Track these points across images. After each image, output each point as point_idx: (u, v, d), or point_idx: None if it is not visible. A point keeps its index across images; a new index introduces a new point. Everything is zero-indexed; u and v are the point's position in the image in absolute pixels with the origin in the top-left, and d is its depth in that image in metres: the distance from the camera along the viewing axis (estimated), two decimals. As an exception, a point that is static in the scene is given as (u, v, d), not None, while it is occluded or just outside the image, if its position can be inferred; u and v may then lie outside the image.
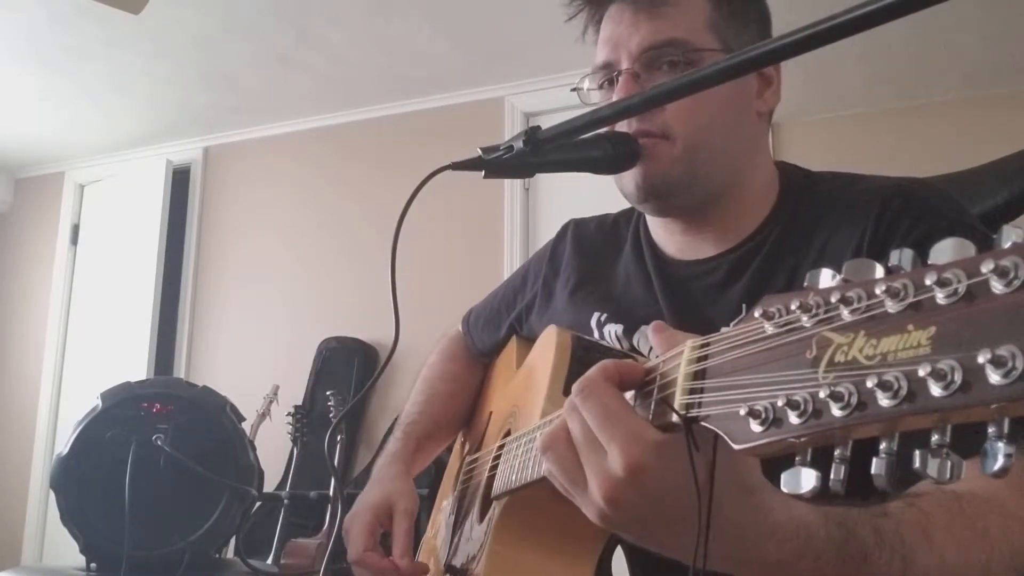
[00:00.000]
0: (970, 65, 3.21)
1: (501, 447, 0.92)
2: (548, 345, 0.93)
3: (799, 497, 0.42)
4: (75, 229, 4.53)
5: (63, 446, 1.55)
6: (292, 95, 3.88)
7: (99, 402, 1.56)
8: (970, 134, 3.20)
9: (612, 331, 1.00)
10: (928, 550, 0.62)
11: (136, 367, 3.91)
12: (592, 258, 1.10)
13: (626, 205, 1.06)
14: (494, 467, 0.93)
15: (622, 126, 0.91)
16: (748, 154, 0.96)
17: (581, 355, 0.88)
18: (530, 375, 1.00)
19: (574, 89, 0.98)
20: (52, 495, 1.53)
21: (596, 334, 1.01)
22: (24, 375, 4.43)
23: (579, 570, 0.79)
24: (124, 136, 4.30)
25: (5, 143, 4.40)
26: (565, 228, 1.19)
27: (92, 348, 4.26)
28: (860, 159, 1.02)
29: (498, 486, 0.88)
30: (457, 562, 0.97)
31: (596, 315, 1.03)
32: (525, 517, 0.84)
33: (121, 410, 1.54)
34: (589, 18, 0.99)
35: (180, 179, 4.32)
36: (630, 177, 0.92)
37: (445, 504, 1.17)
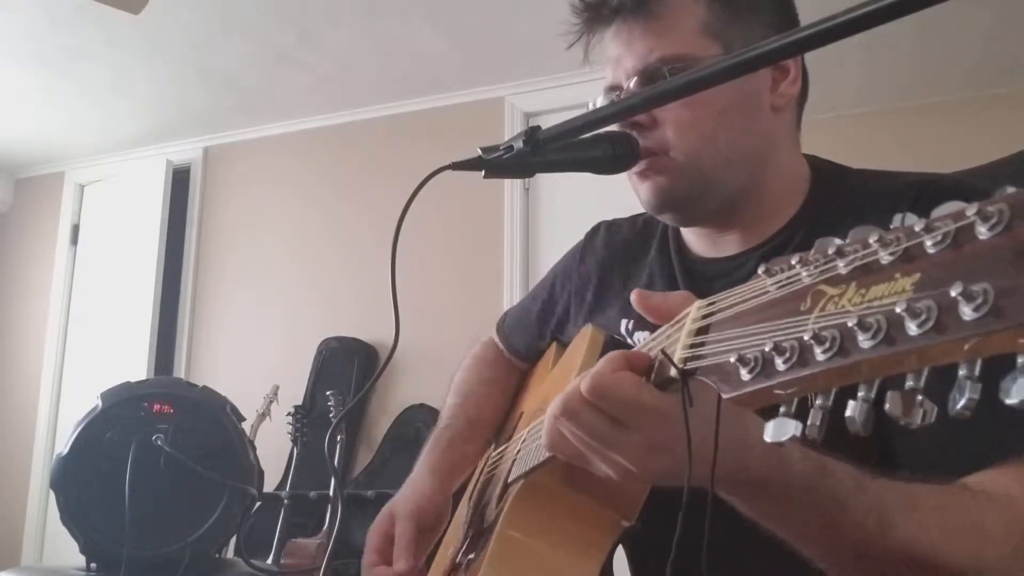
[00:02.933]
0: (970, 65, 3.21)
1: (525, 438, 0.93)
2: (581, 342, 0.94)
3: (779, 445, 0.43)
4: (75, 229, 4.53)
5: (63, 446, 1.55)
6: (292, 95, 3.88)
7: (99, 402, 1.56)
8: (970, 134, 3.20)
9: (640, 339, 1.00)
10: (909, 520, 0.63)
11: (136, 367, 3.91)
12: (622, 261, 1.10)
13: (626, 204, 1.06)
14: (517, 452, 0.93)
15: None
16: (764, 153, 0.93)
17: None
18: (561, 372, 1.01)
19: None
20: (52, 495, 1.53)
21: (627, 341, 1.01)
22: (24, 375, 4.43)
23: (586, 565, 0.79)
24: (124, 136, 4.30)
25: (5, 143, 4.40)
26: (596, 230, 1.18)
27: (92, 348, 4.25)
28: (860, 159, 1.02)
29: (516, 471, 0.89)
30: (470, 547, 0.97)
31: (624, 322, 1.03)
32: (537, 505, 0.84)
33: (121, 410, 1.54)
34: (588, 40, 0.98)
35: (180, 179, 4.32)
36: (641, 193, 0.93)
37: (468, 498, 1.17)
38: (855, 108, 3.48)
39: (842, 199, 0.91)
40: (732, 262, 0.95)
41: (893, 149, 3.30)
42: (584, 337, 0.94)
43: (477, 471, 1.19)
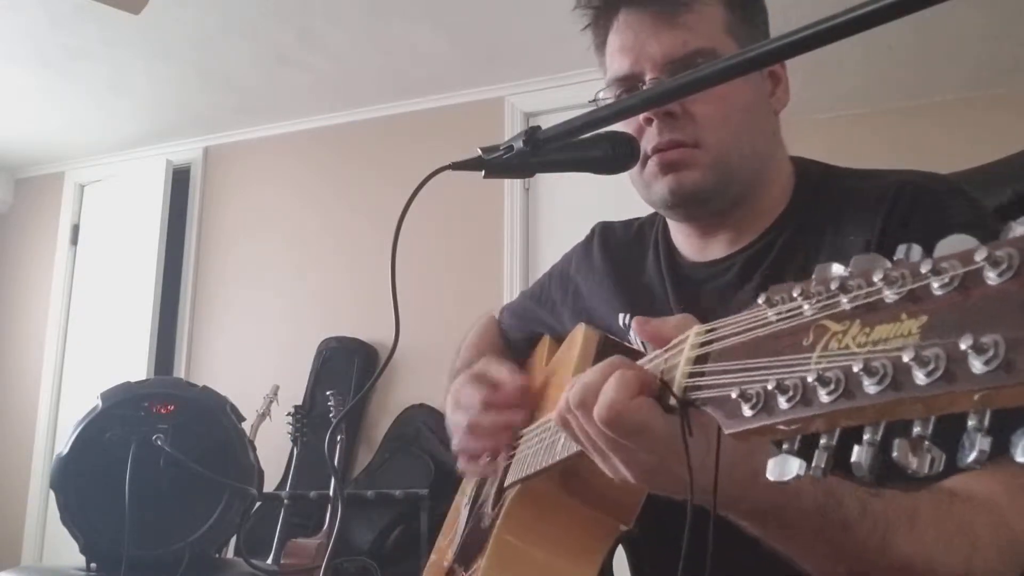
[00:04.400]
0: (970, 65, 3.21)
1: (520, 437, 0.93)
2: (575, 341, 0.94)
3: (781, 483, 0.43)
4: (75, 229, 4.52)
5: (63, 446, 1.55)
6: (292, 95, 3.87)
7: (99, 402, 1.56)
8: (970, 134, 3.20)
9: None
10: (908, 533, 0.63)
11: (136, 367, 3.91)
12: (619, 262, 1.11)
13: (625, 204, 1.06)
14: (511, 457, 0.93)
15: (651, 137, 0.91)
16: (770, 152, 0.96)
17: (606, 353, 0.89)
18: (555, 370, 1.01)
19: (592, 101, 0.96)
20: (52, 495, 1.53)
21: (624, 336, 1.01)
22: (24, 375, 4.43)
23: (583, 570, 0.79)
24: (124, 136, 4.30)
25: (5, 143, 4.40)
26: (593, 232, 1.19)
27: (92, 348, 4.25)
28: (860, 159, 1.03)
29: (512, 475, 0.88)
30: (466, 551, 0.97)
31: (622, 316, 1.04)
32: (534, 509, 0.84)
33: (121, 410, 1.54)
34: (600, 26, 0.98)
35: (180, 179, 4.32)
36: (661, 186, 0.92)
37: (463, 498, 1.17)
38: (855, 108, 3.48)
39: (824, 201, 0.92)
40: (719, 265, 0.96)
41: (893, 149, 3.30)
42: (578, 335, 0.94)
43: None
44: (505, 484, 0.91)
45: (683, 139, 0.90)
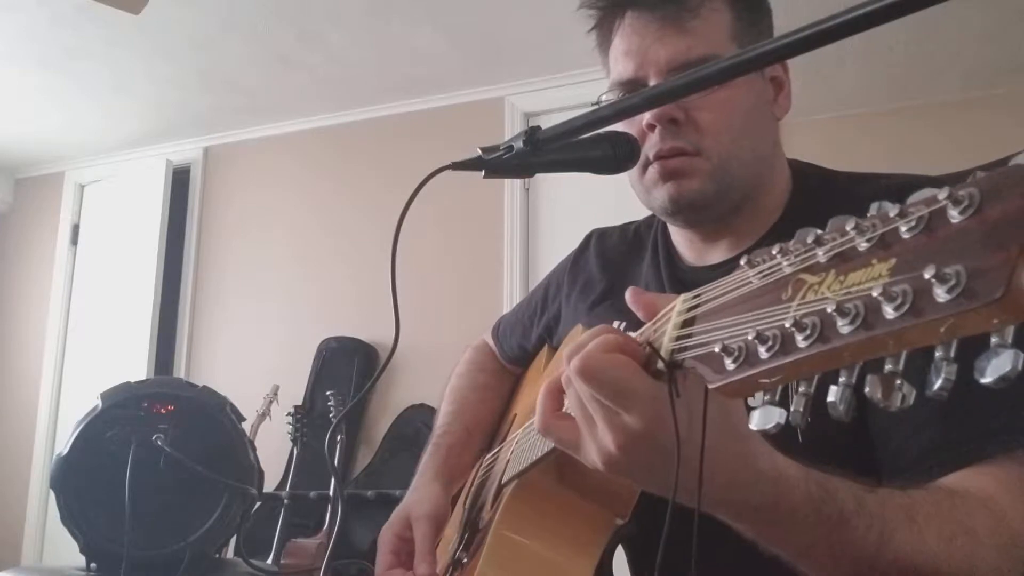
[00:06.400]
0: (969, 65, 3.21)
1: (515, 439, 0.93)
2: (573, 340, 0.94)
3: (764, 432, 0.44)
4: (75, 229, 4.53)
5: (63, 446, 1.54)
6: (292, 95, 3.88)
7: (99, 402, 1.56)
8: (969, 134, 3.20)
9: None
10: (908, 531, 0.63)
11: (136, 367, 3.91)
12: (615, 268, 1.11)
13: (624, 204, 1.06)
14: (510, 457, 0.93)
15: (653, 143, 0.90)
16: (770, 160, 0.96)
17: None
18: (552, 372, 1.01)
19: (595, 104, 0.97)
20: (52, 495, 1.53)
21: None
22: (24, 375, 4.43)
23: (581, 563, 0.79)
24: (124, 136, 4.30)
25: (5, 143, 4.40)
26: (588, 238, 1.19)
27: (92, 348, 4.25)
28: (859, 159, 1.03)
29: (509, 472, 0.89)
30: (465, 549, 0.98)
31: (617, 324, 1.03)
32: (532, 504, 0.84)
33: (121, 410, 1.54)
34: (605, 26, 0.97)
35: (180, 179, 4.32)
36: (661, 193, 0.92)
37: (463, 501, 1.18)
38: (854, 108, 3.48)
39: (822, 205, 0.92)
40: (719, 269, 0.96)
41: (892, 149, 3.30)
42: (575, 338, 0.95)
43: (472, 474, 1.20)
44: (503, 481, 0.91)
45: (685, 147, 0.90)
